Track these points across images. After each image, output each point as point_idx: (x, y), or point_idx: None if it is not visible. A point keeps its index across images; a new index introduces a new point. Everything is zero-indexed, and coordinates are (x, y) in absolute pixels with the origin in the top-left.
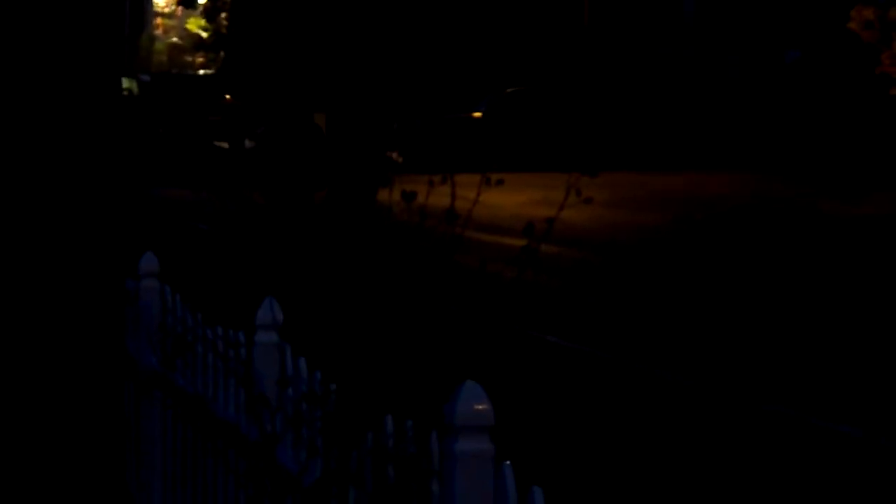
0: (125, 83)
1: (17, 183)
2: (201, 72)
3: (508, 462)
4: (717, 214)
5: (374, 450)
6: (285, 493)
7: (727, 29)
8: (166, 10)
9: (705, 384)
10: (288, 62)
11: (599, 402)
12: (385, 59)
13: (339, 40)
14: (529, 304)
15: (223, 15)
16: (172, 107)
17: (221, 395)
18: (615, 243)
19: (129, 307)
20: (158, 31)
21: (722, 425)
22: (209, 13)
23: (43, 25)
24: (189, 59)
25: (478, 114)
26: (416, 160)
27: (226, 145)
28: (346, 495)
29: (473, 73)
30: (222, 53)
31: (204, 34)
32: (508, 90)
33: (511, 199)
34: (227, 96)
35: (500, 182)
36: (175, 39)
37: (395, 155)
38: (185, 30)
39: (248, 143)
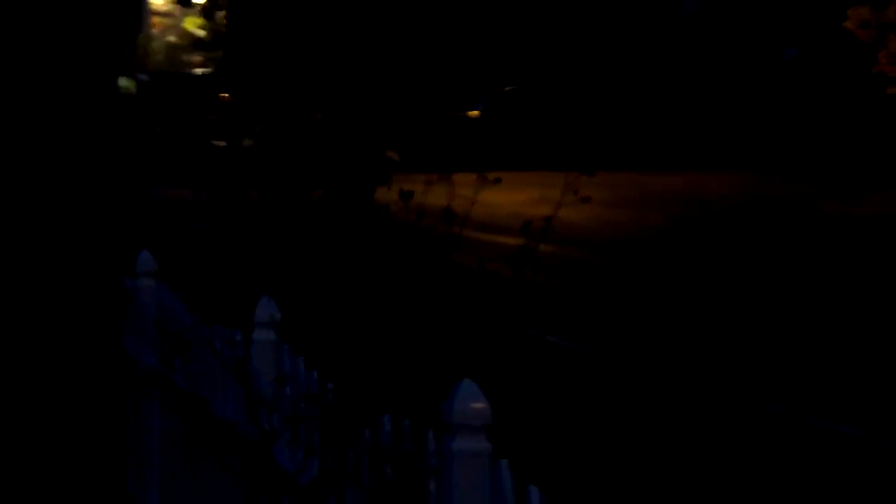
0: (123, 83)
1: (15, 183)
2: (199, 71)
3: (506, 461)
4: (716, 214)
5: (372, 448)
6: (282, 492)
7: (726, 27)
8: (163, 9)
9: (704, 384)
10: (286, 61)
11: (598, 401)
12: (383, 57)
13: (336, 39)
14: (527, 303)
15: (221, 14)
16: (170, 106)
17: (219, 394)
18: (614, 242)
19: (126, 306)
20: (156, 31)
21: (721, 425)
22: (207, 12)
23: (41, 26)
24: (187, 58)
25: (475, 112)
26: (414, 159)
27: (224, 144)
28: (343, 494)
29: (471, 71)
30: (220, 52)
31: (201, 33)
32: (506, 89)
33: (509, 198)
34: (225, 95)
35: (497, 181)
36: (172, 39)
37: (392, 154)
38: (183, 29)
39: (246, 142)
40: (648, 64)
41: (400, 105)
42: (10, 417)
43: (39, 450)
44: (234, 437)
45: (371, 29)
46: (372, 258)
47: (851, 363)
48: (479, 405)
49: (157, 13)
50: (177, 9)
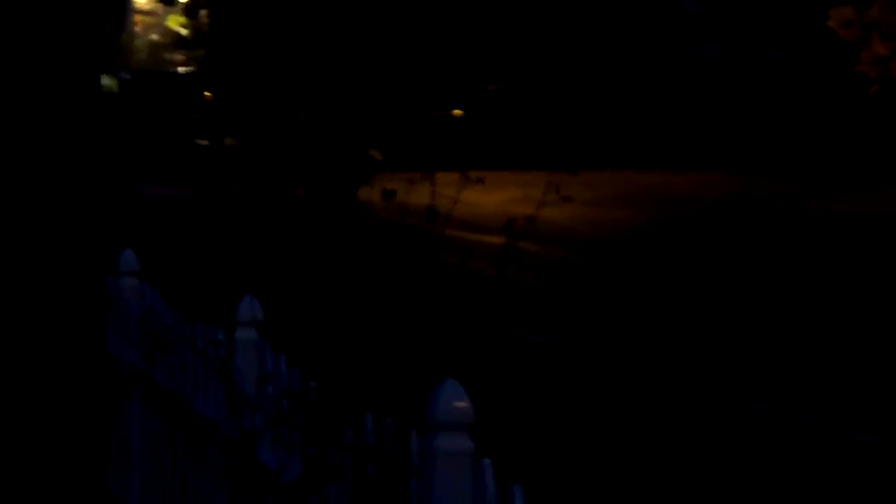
0: (106, 81)
1: None
2: (182, 69)
3: (488, 460)
4: (698, 212)
5: (354, 447)
6: (265, 491)
7: (724, 26)
8: (146, 7)
9: (686, 382)
10: (269, 59)
11: (581, 400)
12: (366, 56)
13: (320, 38)
14: (510, 301)
15: (203, 12)
16: (153, 104)
17: (202, 393)
18: (597, 241)
19: (109, 305)
20: (138, 29)
21: (702, 423)
22: (189, 10)
23: (22, 24)
24: (169, 56)
25: (458, 111)
26: (397, 158)
27: (207, 143)
28: (326, 493)
29: (454, 70)
30: (203, 51)
31: (184, 32)
32: (489, 87)
33: (492, 197)
34: (208, 94)
35: (480, 180)
36: (155, 37)
37: (375, 153)
38: (166, 27)
39: (228, 141)
40: (638, 62)
41: (383, 104)
42: None
43: (20, 451)
44: (217, 435)
45: (355, 28)
46: (355, 256)
47: (831, 360)
48: (462, 404)
49: (140, 11)
50: (160, 7)
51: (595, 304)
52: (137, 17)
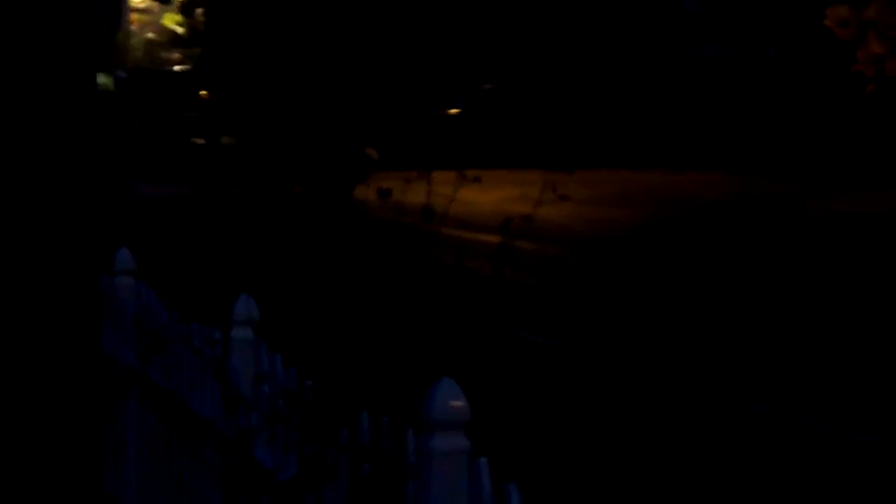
0: (101, 79)
1: None
2: (177, 68)
3: (485, 459)
4: (696, 211)
5: (350, 446)
6: (261, 490)
7: (724, 26)
8: (142, 5)
9: (682, 381)
10: (265, 58)
11: (577, 399)
12: (364, 55)
13: (317, 37)
14: (506, 300)
15: (199, 10)
16: (149, 103)
17: (198, 392)
18: (593, 240)
19: (105, 304)
20: (134, 27)
21: (700, 422)
22: (185, 9)
23: (17, 23)
24: (165, 55)
25: (455, 110)
26: (394, 157)
27: (203, 141)
28: (322, 491)
29: (451, 69)
30: (198, 49)
31: (180, 30)
32: (486, 86)
33: (489, 196)
34: (204, 92)
35: (476, 179)
36: (151, 35)
37: (371, 151)
38: (161, 25)
39: (225, 140)
40: (637, 61)
41: (380, 103)
42: None
43: (16, 450)
44: (213, 434)
45: (352, 27)
46: (350, 255)
47: (830, 359)
48: (458, 403)
49: (136, 10)
50: (155, 5)
51: (591, 303)
52: (133, 16)
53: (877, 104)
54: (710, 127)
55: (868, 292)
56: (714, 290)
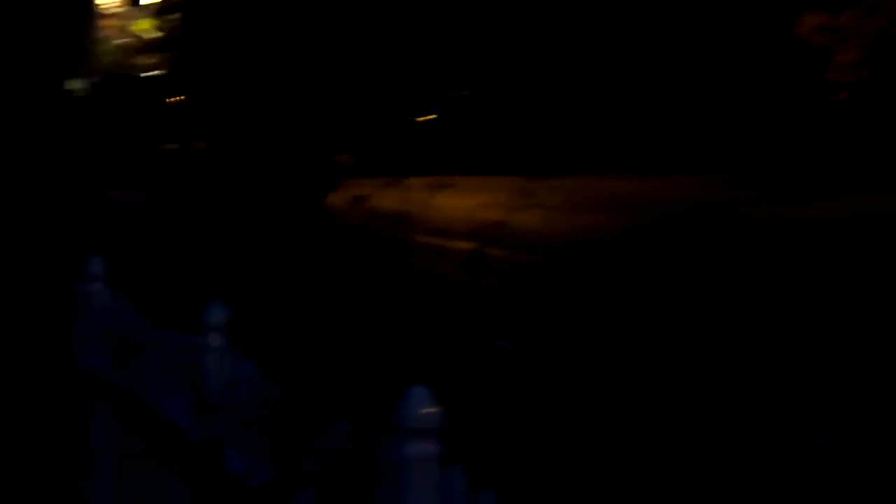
0: (77, 85)
1: None
2: (150, 73)
3: (458, 466)
4: (671, 218)
5: (322, 452)
6: (233, 497)
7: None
8: (115, 10)
9: (651, 388)
10: (238, 64)
11: (549, 406)
12: (336, 61)
13: (289, 43)
14: (476, 307)
15: (173, 16)
16: (121, 108)
17: (169, 399)
18: (565, 247)
19: (76, 311)
20: (106, 33)
21: (673, 430)
22: (158, 14)
23: None
24: (138, 60)
25: (429, 117)
26: (368, 163)
27: (175, 147)
28: (294, 497)
29: (424, 75)
30: (171, 55)
31: (152, 35)
32: (460, 93)
33: (462, 203)
34: (176, 98)
35: (449, 186)
36: (123, 40)
37: (345, 157)
38: (134, 31)
39: (197, 146)
40: (612, 66)
41: (353, 109)
42: None
43: None
44: (185, 441)
45: (324, 33)
46: (322, 262)
47: (789, 365)
48: (431, 410)
49: (108, 15)
50: (128, 11)
51: (561, 309)
52: (105, 21)
53: (850, 111)
54: (687, 132)
55: (834, 296)
56: (687, 297)
